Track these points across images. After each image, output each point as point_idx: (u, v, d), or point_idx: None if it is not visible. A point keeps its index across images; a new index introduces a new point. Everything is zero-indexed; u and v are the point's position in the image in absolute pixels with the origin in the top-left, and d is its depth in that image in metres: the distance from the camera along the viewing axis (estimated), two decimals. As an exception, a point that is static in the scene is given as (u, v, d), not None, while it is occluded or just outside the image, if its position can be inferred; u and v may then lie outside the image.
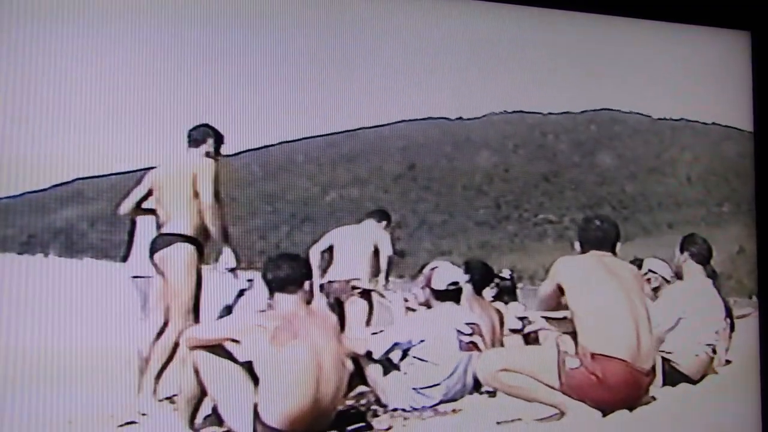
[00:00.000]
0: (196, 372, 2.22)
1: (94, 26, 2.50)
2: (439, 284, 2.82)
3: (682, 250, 3.07)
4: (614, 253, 2.54)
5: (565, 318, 2.42)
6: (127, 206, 2.73)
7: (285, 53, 2.75)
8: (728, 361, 3.30)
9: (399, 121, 3.09)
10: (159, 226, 2.70)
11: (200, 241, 2.69)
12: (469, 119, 3.20)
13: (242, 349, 2.22)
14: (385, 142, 3.13)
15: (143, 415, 2.50)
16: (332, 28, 2.81)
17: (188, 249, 2.64)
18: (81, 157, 2.44)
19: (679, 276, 3.10)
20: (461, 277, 2.86)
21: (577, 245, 2.60)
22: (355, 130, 2.93)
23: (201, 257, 2.70)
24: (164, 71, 2.59)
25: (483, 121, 3.29)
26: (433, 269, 2.87)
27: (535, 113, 3.41)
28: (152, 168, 2.73)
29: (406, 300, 2.91)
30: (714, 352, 2.96)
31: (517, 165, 3.59)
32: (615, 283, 2.41)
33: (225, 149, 2.82)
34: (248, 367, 2.19)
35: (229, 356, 2.23)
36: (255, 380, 2.18)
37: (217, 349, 2.23)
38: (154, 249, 2.66)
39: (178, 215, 2.66)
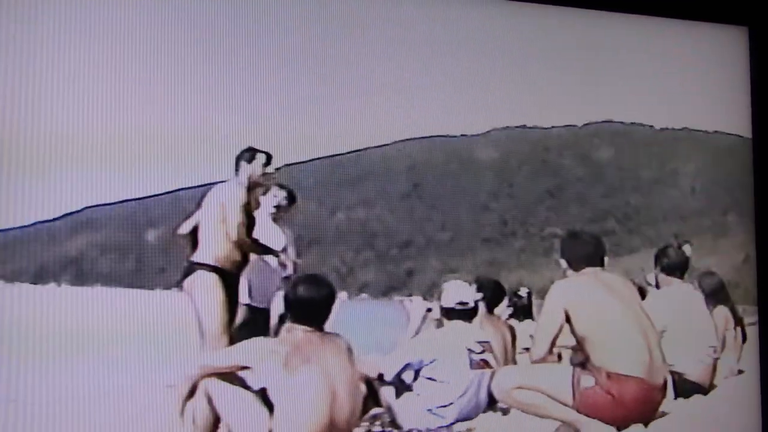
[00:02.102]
0: (209, 400, 2.22)
1: (97, 39, 2.50)
2: (448, 302, 2.83)
3: (655, 265, 3.08)
4: (603, 266, 2.51)
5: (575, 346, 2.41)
6: (185, 227, 2.76)
7: (288, 75, 2.76)
8: (741, 371, 3.30)
9: (403, 140, 3.10)
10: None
11: (227, 271, 2.71)
12: (472, 135, 3.22)
13: (255, 376, 2.22)
14: (390, 162, 3.15)
15: None
16: (334, 50, 2.83)
17: (210, 277, 2.66)
18: (91, 185, 2.45)
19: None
20: (471, 297, 2.84)
21: (563, 263, 2.53)
22: (360, 150, 2.94)
23: (229, 286, 2.72)
24: (167, 101, 2.60)
25: (486, 137, 3.31)
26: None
27: (538, 128, 3.43)
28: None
29: (429, 310, 2.89)
30: (715, 351, 2.96)
31: (521, 181, 3.60)
32: (617, 299, 2.40)
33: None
34: (262, 394, 2.19)
35: (243, 383, 2.23)
36: (270, 407, 2.17)
37: (230, 376, 2.22)
38: (183, 276, 2.71)
39: (206, 243, 2.71)
